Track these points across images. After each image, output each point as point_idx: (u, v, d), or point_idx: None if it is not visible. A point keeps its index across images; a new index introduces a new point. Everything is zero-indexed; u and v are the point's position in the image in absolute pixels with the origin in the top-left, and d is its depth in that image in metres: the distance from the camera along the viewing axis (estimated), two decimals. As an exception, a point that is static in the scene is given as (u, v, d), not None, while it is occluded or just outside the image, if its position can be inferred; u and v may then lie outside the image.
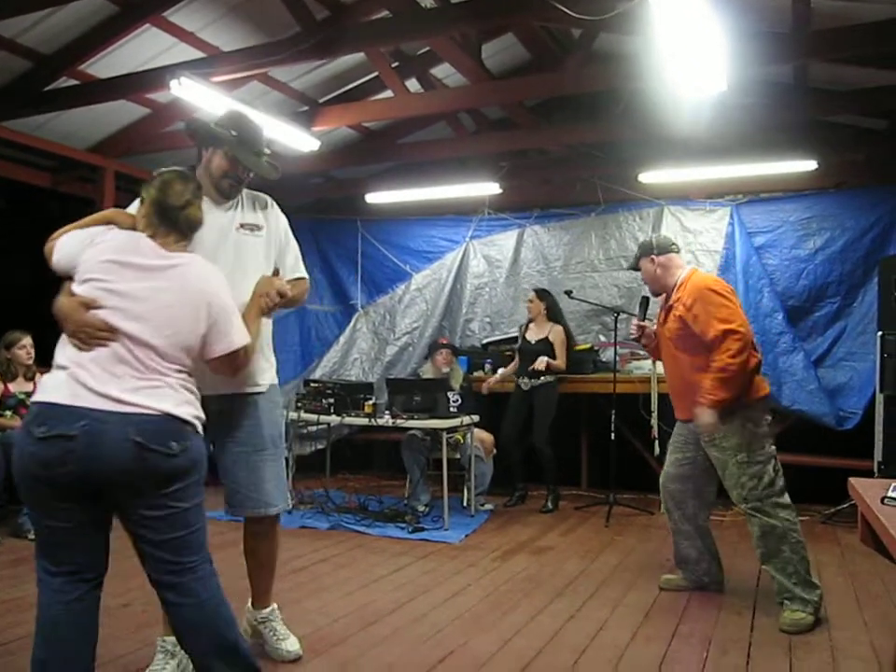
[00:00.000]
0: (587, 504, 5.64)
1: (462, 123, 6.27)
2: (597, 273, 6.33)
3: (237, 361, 2.19)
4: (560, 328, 5.67)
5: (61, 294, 2.06)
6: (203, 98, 4.35)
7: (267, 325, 2.65)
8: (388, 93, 5.41)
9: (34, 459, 1.90)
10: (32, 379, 4.77)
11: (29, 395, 4.55)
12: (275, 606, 2.82)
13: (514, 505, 5.66)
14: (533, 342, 5.65)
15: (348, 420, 5.30)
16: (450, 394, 5.14)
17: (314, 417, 5.31)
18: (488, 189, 6.25)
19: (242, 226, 2.56)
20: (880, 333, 4.85)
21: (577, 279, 6.33)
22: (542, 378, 5.48)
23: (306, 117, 5.30)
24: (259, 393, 2.58)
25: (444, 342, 6.09)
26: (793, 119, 5.46)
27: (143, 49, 4.73)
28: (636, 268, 3.59)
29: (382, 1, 4.50)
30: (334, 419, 5.29)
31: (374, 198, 6.66)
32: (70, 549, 1.98)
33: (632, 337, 3.73)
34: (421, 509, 5.28)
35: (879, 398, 4.82)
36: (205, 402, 2.18)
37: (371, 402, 5.24)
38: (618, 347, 5.44)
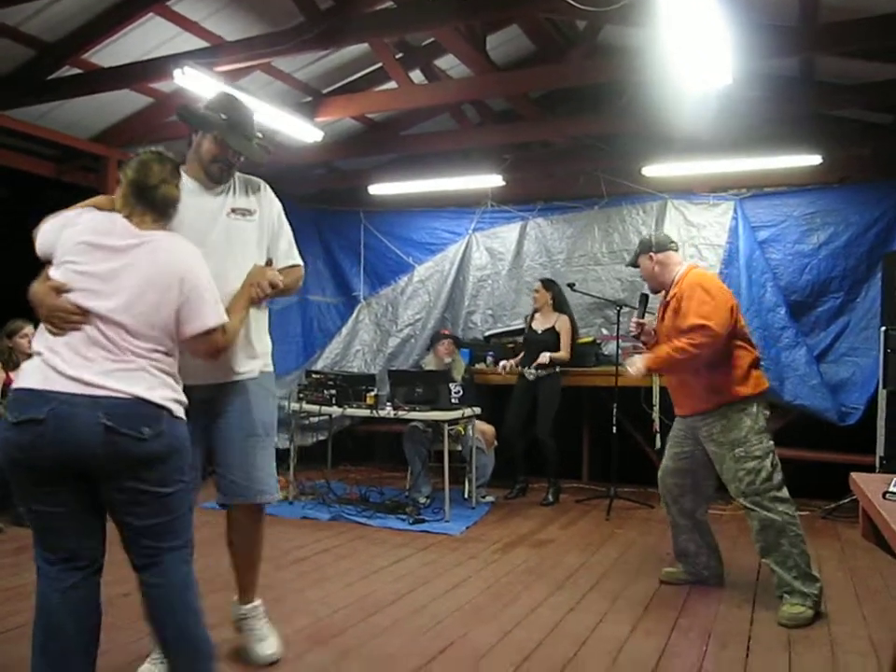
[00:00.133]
0: (588, 497, 5.64)
1: (466, 115, 6.25)
2: (600, 266, 6.33)
3: (215, 343, 2.12)
4: (566, 317, 5.66)
5: (37, 280, 2.03)
6: (207, 88, 4.33)
7: (265, 313, 2.61)
8: (392, 84, 5.39)
9: (10, 444, 1.92)
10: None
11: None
12: (258, 602, 2.71)
13: (515, 497, 5.67)
14: (539, 331, 5.65)
15: (350, 411, 5.30)
16: (451, 385, 5.15)
17: (315, 408, 5.32)
18: (491, 181, 6.23)
19: (233, 210, 2.50)
20: (883, 329, 4.84)
21: (580, 272, 6.33)
22: (547, 369, 5.49)
23: (310, 107, 5.29)
24: (250, 379, 2.53)
25: (447, 332, 6.09)
26: (798, 113, 5.44)
27: (147, 38, 4.71)
28: (634, 265, 3.63)
29: (386, -9, 4.49)
30: (336, 410, 5.29)
31: (377, 189, 6.65)
32: (59, 534, 1.98)
33: (631, 334, 3.75)
34: (422, 500, 5.30)
35: (882, 393, 4.81)
36: (192, 392, 2.14)
37: (372, 394, 5.26)
38: (620, 341, 5.44)
